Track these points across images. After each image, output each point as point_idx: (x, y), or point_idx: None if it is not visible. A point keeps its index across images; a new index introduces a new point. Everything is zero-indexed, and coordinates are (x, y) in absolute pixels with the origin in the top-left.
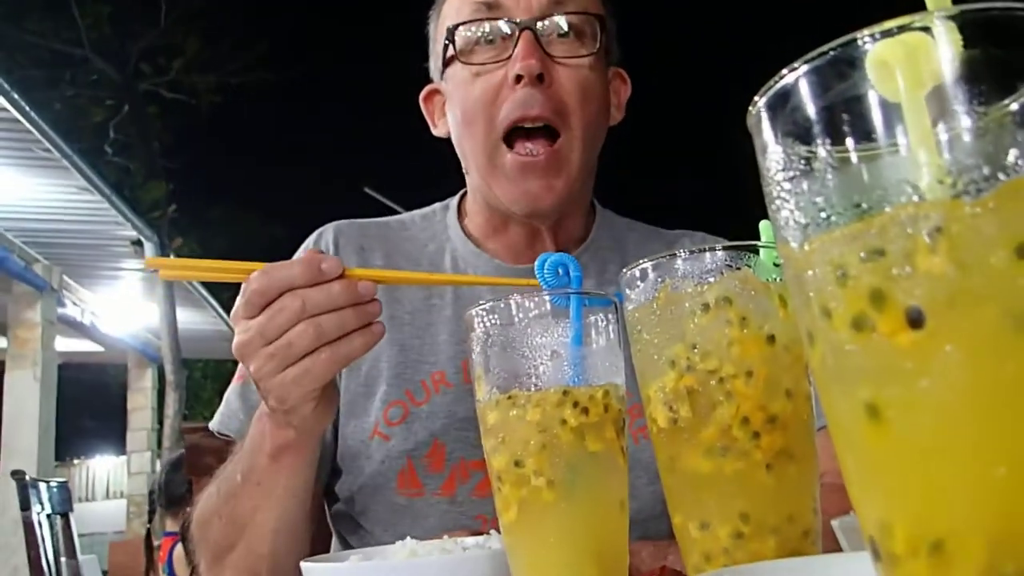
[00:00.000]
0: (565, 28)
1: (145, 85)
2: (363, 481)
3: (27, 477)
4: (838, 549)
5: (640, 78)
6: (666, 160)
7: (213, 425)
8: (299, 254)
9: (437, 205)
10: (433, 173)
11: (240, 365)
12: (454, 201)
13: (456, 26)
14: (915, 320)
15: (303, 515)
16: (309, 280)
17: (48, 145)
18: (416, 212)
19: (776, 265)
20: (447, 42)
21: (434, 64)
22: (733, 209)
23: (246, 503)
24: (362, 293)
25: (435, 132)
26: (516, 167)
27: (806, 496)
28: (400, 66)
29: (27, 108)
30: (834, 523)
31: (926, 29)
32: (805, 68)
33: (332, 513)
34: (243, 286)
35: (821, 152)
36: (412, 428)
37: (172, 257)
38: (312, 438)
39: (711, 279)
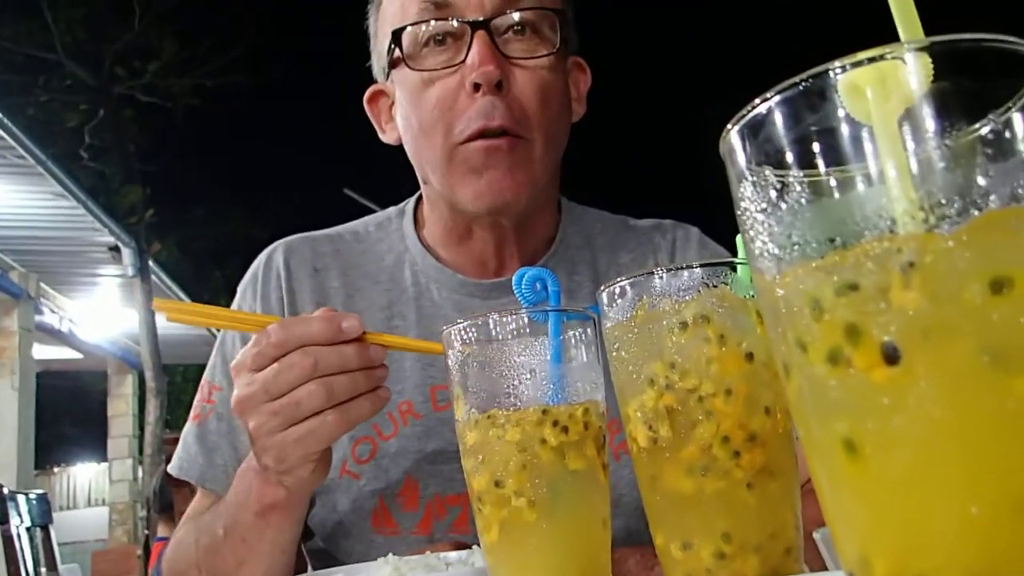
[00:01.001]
0: (521, 24)
1: (120, 89)
2: (337, 519)
3: (5, 490)
4: (819, 559)
5: (622, 74)
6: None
7: (172, 469)
8: (248, 277)
9: (392, 210)
10: (412, 173)
11: (196, 402)
12: (410, 206)
13: (402, 28)
14: (890, 356)
15: (290, 566)
16: (328, 339)
17: (22, 152)
18: (370, 219)
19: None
20: (392, 45)
21: (377, 63)
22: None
23: (229, 558)
24: (373, 358)
25: (384, 138)
26: (479, 152)
27: (788, 513)
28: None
29: (0, 115)
30: (816, 535)
31: (898, 60)
32: (777, 98)
33: (308, 549)
34: (256, 337)
35: (794, 183)
36: (382, 465)
37: (179, 301)
38: (303, 498)
39: (688, 296)
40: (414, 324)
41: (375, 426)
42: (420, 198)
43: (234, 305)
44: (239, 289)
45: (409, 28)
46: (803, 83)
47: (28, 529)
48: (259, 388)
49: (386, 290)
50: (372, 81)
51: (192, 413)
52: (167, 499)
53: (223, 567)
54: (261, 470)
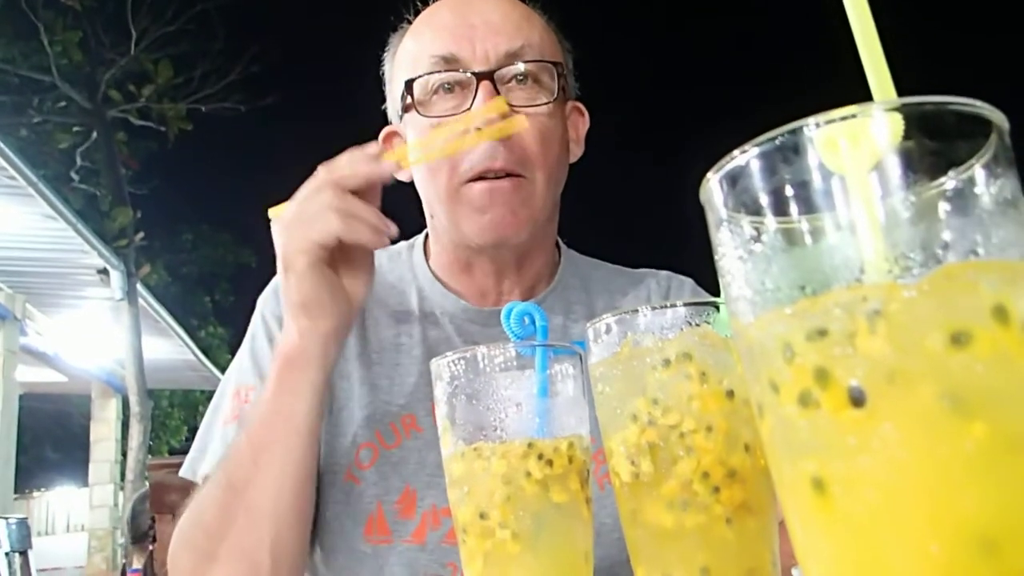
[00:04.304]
0: (523, 75)
1: (114, 112)
2: (326, 527)
3: None
4: None
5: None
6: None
7: (185, 472)
8: (263, 300)
9: (403, 244)
10: (408, 203)
11: (231, 407)
12: (419, 240)
13: (413, 79)
14: (857, 399)
15: (307, 474)
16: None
17: (13, 172)
18: (381, 252)
19: None
20: (405, 92)
21: (392, 107)
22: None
23: (246, 453)
24: (384, 168)
25: (397, 176)
26: (483, 193)
27: (765, 549)
28: (373, 96)
29: None
30: (795, 572)
31: (869, 118)
32: (755, 150)
33: None
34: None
35: (769, 232)
36: (383, 472)
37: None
38: (317, 349)
39: (672, 335)
40: (419, 341)
41: (377, 433)
42: (428, 233)
43: (258, 310)
44: (263, 295)
45: (420, 78)
46: (780, 137)
47: (7, 554)
48: (293, 206)
49: (394, 311)
50: (368, 115)
51: (231, 415)
52: (140, 528)
53: (239, 467)
54: (284, 327)
